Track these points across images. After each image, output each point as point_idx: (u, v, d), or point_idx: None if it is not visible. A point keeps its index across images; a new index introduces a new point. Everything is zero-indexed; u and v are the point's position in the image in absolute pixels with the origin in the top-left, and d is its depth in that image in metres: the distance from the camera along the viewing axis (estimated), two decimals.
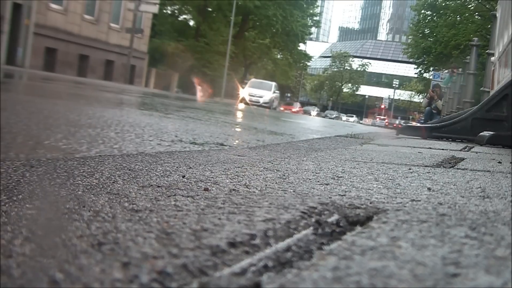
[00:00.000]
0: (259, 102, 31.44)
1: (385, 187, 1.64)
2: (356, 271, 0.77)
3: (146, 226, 1.00)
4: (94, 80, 21.75)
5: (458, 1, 37.70)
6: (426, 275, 0.75)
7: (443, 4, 37.95)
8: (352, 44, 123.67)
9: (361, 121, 69.43)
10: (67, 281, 0.71)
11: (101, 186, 1.43)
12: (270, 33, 45.18)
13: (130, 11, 27.38)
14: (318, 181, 1.71)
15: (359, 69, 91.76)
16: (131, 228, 0.98)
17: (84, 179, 1.51)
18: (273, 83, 36.32)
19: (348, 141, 5.32)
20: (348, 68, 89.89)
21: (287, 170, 2.01)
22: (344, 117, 65.60)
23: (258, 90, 33.10)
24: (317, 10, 57.83)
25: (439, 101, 14.69)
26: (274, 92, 34.95)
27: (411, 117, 79.58)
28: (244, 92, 32.85)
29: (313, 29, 66.39)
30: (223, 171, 1.86)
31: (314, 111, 51.93)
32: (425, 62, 39.82)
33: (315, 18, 53.19)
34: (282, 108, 44.77)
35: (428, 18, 39.64)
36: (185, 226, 1.00)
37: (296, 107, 49.55)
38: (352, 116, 70.59)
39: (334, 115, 63.64)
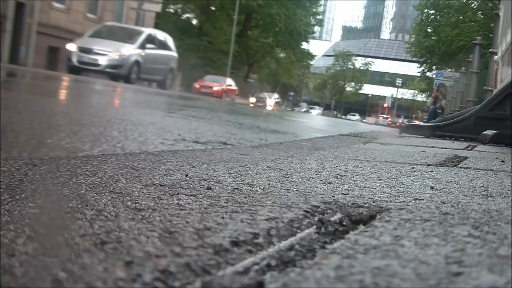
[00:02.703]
0: (97, 66, 17.14)
1: (388, 186, 1.64)
2: (359, 270, 0.77)
3: (149, 225, 1.00)
4: (96, 79, 21.74)
5: (461, 0, 37.69)
6: (429, 274, 0.75)
7: (446, 3, 37.94)
8: (355, 43, 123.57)
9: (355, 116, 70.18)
10: (69, 280, 0.71)
11: (104, 185, 1.43)
12: (273, 32, 45.18)
13: (133, 10, 27.39)
14: (321, 180, 1.71)
15: (362, 68, 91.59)
16: (134, 227, 0.98)
17: (87, 178, 1.51)
18: (148, 30, 20.09)
19: (351, 140, 5.31)
20: (351, 67, 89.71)
21: (290, 169, 2.01)
22: (310, 110, 66.09)
23: (103, 42, 17.50)
24: (320, 9, 57.88)
25: (444, 100, 14.80)
26: (143, 48, 18.31)
27: (414, 116, 79.56)
28: (72, 45, 17.73)
29: (316, 28, 66.38)
30: (226, 170, 1.85)
31: (271, 99, 36.48)
32: (428, 62, 39.83)
33: (318, 17, 53.24)
34: (197, 86, 29.59)
35: (431, 17, 39.64)
36: (188, 225, 1.00)
37: (223, 84, 30.64)
38: (314, 108, 70.99)
39: (304, 109, 64.37)
